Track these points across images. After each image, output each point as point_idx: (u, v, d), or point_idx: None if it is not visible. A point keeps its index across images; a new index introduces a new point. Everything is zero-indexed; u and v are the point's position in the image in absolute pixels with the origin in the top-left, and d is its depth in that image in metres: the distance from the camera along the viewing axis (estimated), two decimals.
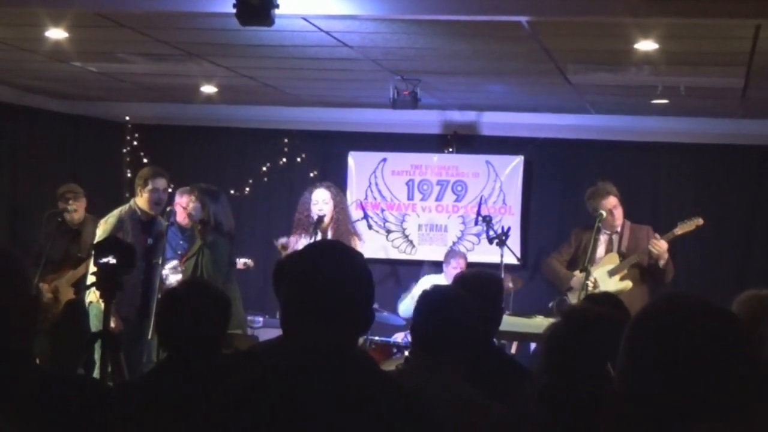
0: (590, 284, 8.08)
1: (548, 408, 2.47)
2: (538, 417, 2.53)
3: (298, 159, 11.76)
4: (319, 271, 2.60)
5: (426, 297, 3.85)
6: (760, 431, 1.73)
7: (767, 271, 10.31)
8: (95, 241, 7.81)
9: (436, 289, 3.96)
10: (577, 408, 2.38)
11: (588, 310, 3.20)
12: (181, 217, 9.07)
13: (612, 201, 8.40)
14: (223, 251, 8.25)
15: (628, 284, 8.24)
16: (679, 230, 8.34)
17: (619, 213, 8.48)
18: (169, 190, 8.55)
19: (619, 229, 8.51)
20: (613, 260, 8.37)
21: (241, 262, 9.27)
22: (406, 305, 9.45)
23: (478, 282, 4.58)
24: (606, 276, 8.27)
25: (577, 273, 8.36)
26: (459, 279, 4.97)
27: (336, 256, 2.67)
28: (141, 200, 8.12)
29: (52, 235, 8.86)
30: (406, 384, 3.32)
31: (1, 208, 10.86)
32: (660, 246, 8.18)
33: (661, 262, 8.22)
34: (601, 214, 8.22)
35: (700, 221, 8.36)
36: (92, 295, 7.76)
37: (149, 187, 8.07)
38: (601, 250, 8.48)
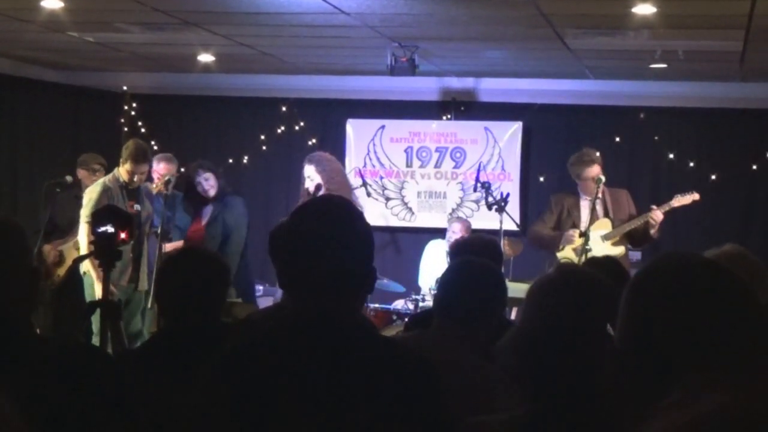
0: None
1: (531, 360, 2.46)
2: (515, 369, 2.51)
3: (296, 127, 11.74)
4: (313, 235, 2.52)
5: (456, 269, 3.85)
6: (762, 383, 1.74)
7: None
8: (87, 211, 7.88)
9: (466, 262, 3.95)
10: (569, 363, 2.38)
11: (581, 268, 3.20)
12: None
13: (596, 169, 8.38)
14: (239, 210, 8.83)
15: (622, 250, 8.25)
16: (675, 202, 8.38)
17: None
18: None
19: (600, 195, 8.48)
20: (606, 225, 8.37)
21: None
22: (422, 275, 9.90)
23: (476, 247, 4.57)
24: (600, 240, 8.28)
25: (571, 232, 8.34)
26: (456, 245, 4.97)
27: (330, 218, 2.56)
28: (123, 170, 8.16)
29: (64, 202, 8.95)
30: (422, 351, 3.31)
31: (1, 177, 10.87)
32: (657, 217, 8.19)
33: (652, 231, 8.24)
34: (600, 179, 8.22)
35: (697, 196, 8.41)
36: (86, 265, 7.83)
37: (128, 167, 8.10)
38: (585, 214, 8.47)
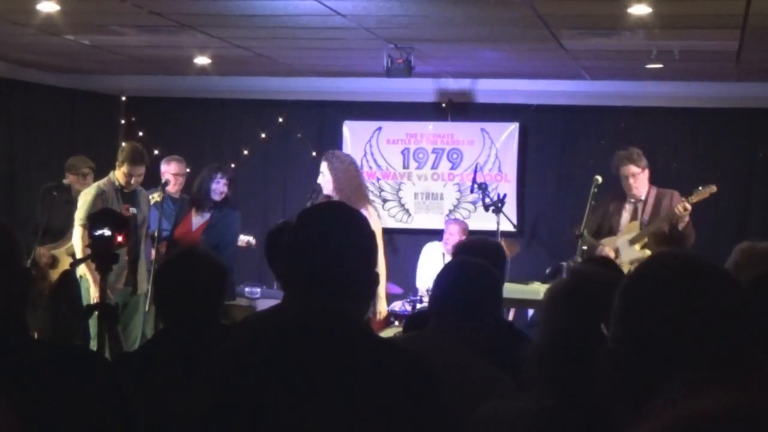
0: (613, 253, 8.09)
1: (540, 366, 2.47)
2: (531, 375, 2.52)
3: (293, 129, 11.74)
4: (315, 239, 2.54)
5: (449, 268, 3.84)
6: (757, 381, 1.74)
7: (765, 233, 10.34)
8: (81, 214, 7.88)
9: (460, 261, 3.94)
10: (570, 366, 2.39)
11: (588, 269, 3.19)
12: (171, 185, 9.05)
13: (630, 169, 8.31)
14: (236, 225, 8.77)
15: (646, 253, 8.19)
16: (694, 198, 8.26)
17: (637, 181, 8.35)
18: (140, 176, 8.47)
19: (644, 197, 8.43)
20: (634, 229, 8.33)
21: (244, 240, 9.30)
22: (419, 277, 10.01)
23: (480, 249, 4.56)
24: (627, 245, 8.26)
25: (603, 241, 8.32)
26: (459, 247, 4.96)
27: (333, 222, 2.59)
28: (119, 173, 8.15)
29: (56, 206, 8.92)
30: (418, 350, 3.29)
31: None
32: (685, 208, 8.09)
33: (681, 225, 8.16)
34: (597, 179, 8.19)
35: (714, 188, 8.29)
36: (82, 269, 7.82)
37: (124, 169, 8.09)
38: (626, 218, 8.44)
